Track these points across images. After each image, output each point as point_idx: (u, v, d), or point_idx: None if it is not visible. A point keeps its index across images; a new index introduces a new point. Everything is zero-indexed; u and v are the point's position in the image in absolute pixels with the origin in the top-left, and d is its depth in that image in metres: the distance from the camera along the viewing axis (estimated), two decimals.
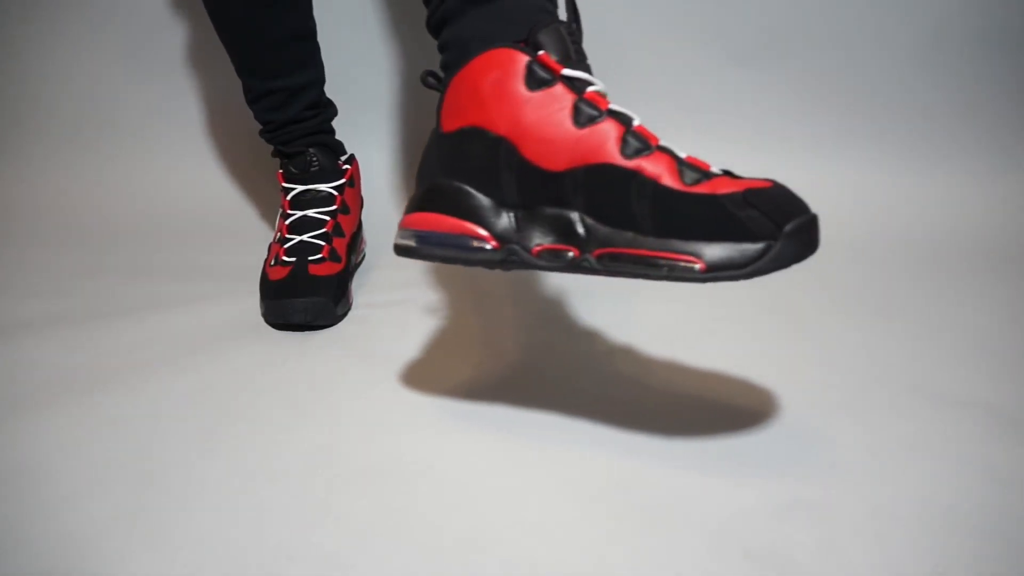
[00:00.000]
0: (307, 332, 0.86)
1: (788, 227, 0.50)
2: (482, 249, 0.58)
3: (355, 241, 1.00)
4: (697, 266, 0.51)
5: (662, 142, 0.55)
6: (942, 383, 0.73)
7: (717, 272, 0.51)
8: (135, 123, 1.33)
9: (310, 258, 0.89)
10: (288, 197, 0.96)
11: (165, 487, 0.59)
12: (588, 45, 1.09)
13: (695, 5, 1.18)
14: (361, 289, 0.97)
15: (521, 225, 0.58)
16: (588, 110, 0.56)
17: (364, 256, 1.05)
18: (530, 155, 0.57)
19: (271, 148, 1.00)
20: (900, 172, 1.20)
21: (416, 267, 1.03)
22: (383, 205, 1.21)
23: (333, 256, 0.91)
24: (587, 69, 0.59)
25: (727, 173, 0.54)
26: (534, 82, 0.57)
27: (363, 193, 1.05)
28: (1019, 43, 1.16)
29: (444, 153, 0.61)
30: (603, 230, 0.55)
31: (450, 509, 0.57)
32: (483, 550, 0.53)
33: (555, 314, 0.88)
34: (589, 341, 0.82)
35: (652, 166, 0.54)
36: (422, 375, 0.76)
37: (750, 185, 0.52)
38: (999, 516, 0.55)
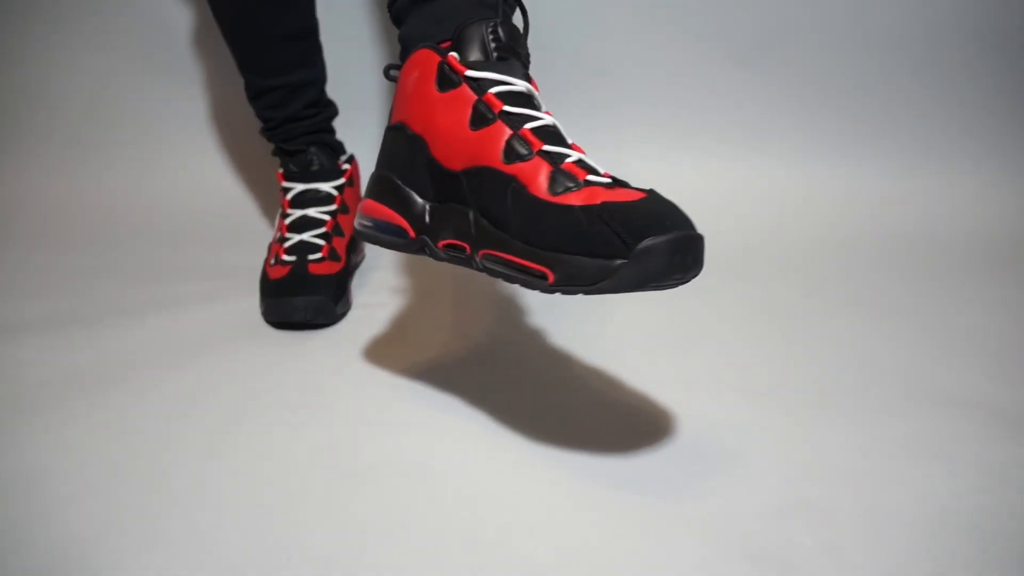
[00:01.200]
0: (307, 332, 0.86)
1: (639, 247, 0.47)
2: (403, 238, 0.62)
3: (355, 241, 1.00)
4: (547, 279, 0.51)
5: (547, 147, 0.55)
6: (940, 383, 0.73)
7: (563, 286, 0.50)
8: (135, 123, 1.33)
9: (310, 257, 0.89)
10: (288, 196, 0.96)
11: (166, 487, 0.59)
12: (588, 46, 1.09)
13: (695, 5, 1.18)
14: (361, 289, 0.97)
15: (433, 218, 0.60)
16: (484, 112, 0.57)
17: (364, 256, 1.05)
18: (437, 153, 0.59)
19: (271, 147, 1.00)
20: (898, 172, 1.20)
21: (416, 267, 1.03)
22: None
23: (333, 255, 0.91)
24: (518, 67, 0.59)
25: (617, 182, 0.53)
26: (444, 83, 0.59)
27: (363, 193, 1.05)
28: (1019, 43, 1.16)
29: (385, 146, 0.65)
30: (490, 231, 0.55)
31: (450, 509, 0.57)
32: (483, 550, 0.53)
33: (556, 315, 0.88)
34: (591, 343, 0.82)
35: (527, 172, 0.54)
36: (422, 375, 0.76)
37: (615, 197, 0.50)
38: (999, 516, 0.55)
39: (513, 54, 0.60)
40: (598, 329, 0.84)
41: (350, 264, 0.96)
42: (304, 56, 0.96)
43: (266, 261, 0.92)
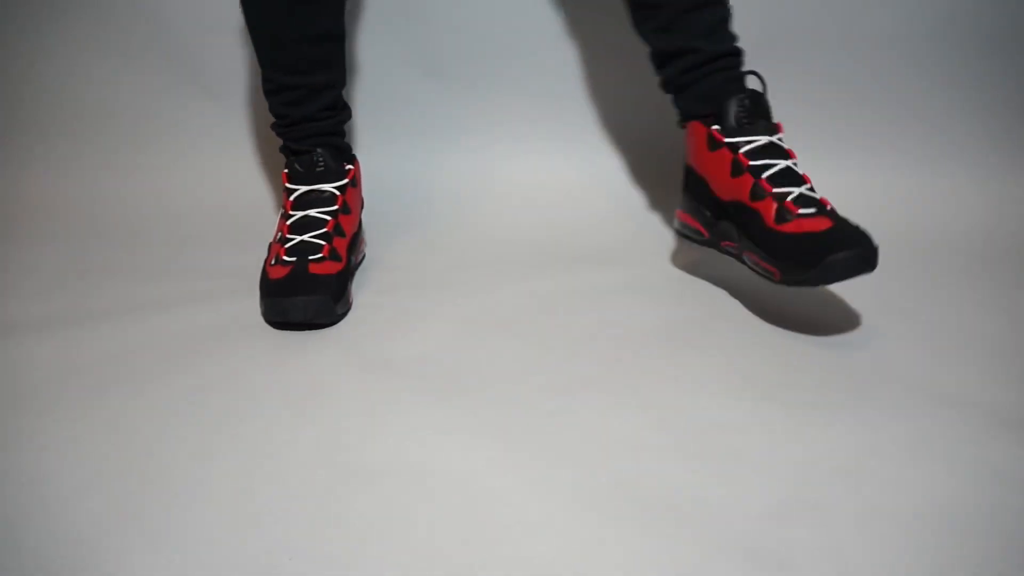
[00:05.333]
0: (306, 331, 0.86)
1: (819, 264, 0.76)
2: (700, 237, 0.93)
3: (355, 241, 0.99)
4: (775, 276, 0.81)
5: (776, 190, 0.82)
6: (940, 383, 0.73)
7: (784, 282, 0.80)
8: (135, 123, 1.33)
9: (310, 257, 0.89)
10: (291, 198, 0.96)
11: (165, 487, 0.59)
12: (587, 46, 1.08)
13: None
14: (361, 289, 0.97)
15: (716, 228, 0.90)
16: (737, 166, 0.85)
17: (364, 256, 1.05)
18: (714, 189, 0.89)
19: (275, 147, 1.00)
20: (899, 172, 1.20)
21: (416, 268, 1.03)
22: (383, 206, 1.21)
23: (333, 255, 0.91)
24: (762, 125, 0.86)
25: (820, 212, 0.79)
26: (712, 146, 0.88)
27: (363, 194, 1.05)
28: (1019, 43, 1.16)
29: (686, 177, 0.95)
30: (747, 242, 0.84)
31: (450, 509, 0.57)
32: (483, 550, 0.53)
33: (556, 316, 0.88)
34: (591, 343, 0.82)
35: (763, 208, 0.82)
36: (421, 375, 0.76)
37: (813, 228, 0.78)
38: (999, 516, 0.55)
39: (758, 115, 0.86)
40: (598, 329, 0.84)
41: (350, 264, 0.96)
42: (329, 58, 0.96)
43: (266, 261, 0.92)
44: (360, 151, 1.07)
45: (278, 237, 0.94)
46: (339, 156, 0.99)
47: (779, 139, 0.86)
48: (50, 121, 1.35)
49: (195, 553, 0.53)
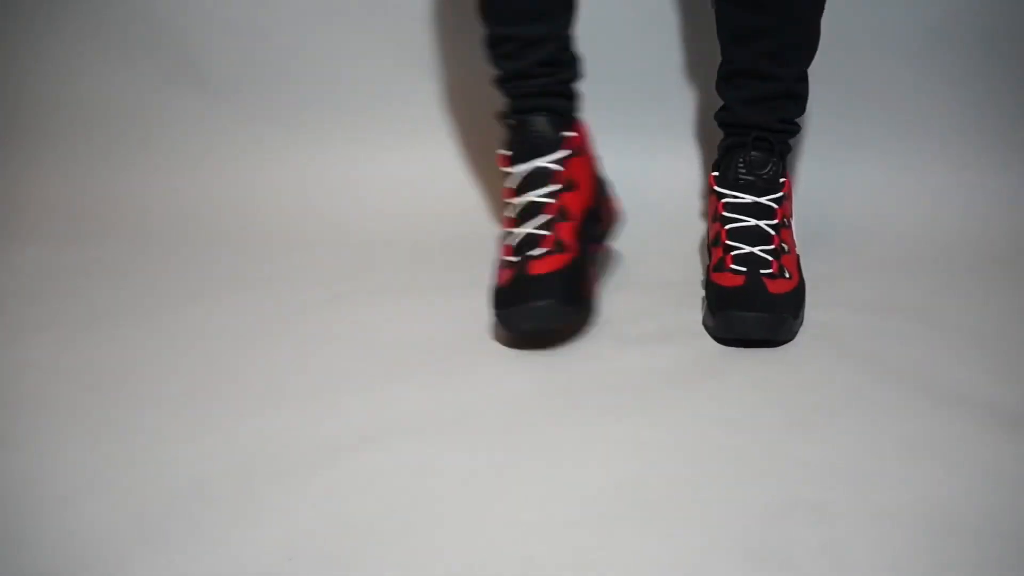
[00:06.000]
0: (305, 332, 0.85)
1: (715, 315, 0.80)
2: None
3: (591, 220, 0.86)
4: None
5: (728, 241, 0.86)
6: (942, 383, 0.73)
7: (704, 323, 0.84)
8: (134, 123, 1.32)
9: (529, 254, 0.79)
10: (509, 184, 0.85)
11: (165, 487, 0.59)
12: (588, 47, 1.08)
13: (694, 5, 1.18)
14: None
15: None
16: (714, 210, 0.89)
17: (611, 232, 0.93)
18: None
19: (273, 150, 0.97)
20: (899, 172, 1.20)
21: (414, 269, 1.03)
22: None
23: (558, 247, 0.79)
24: (757, 185, 0.87)
25: (751, 272, 0.82)
26: (711, 190, 0.91)
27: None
28: (1019, 43, 1.16)
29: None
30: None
31: (450, 509, 0.57)
32: (483, 550, 0.53)
33: None
34: (591, 343, 0.82)
35: (716, 255, 0.87)
36: (422, 375, 0.76)
37: (726, 283, 0.81)
38: (999, 516, 0.55)
39: (754, 176, 0.87)
40: (598, 329, 0.84)
41: (583, 253, 0.82)
42: (544, 8, 0.85)
43: (499, 264, 0.83)
44: (371, 145, 1.05)
45: (503, 234, 0.85)
46: (560, 122, 0.86)
47: (772, 199, 0.86)
48: (51, 121, 1.34)
49: (195, 553, 0.53)
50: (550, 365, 0.78)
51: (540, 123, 0.84)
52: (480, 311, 0.86)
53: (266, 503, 0.57)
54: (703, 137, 1.19)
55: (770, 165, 0.87)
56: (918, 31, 1.17)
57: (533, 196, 0.82)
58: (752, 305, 0.78)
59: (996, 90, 1.18)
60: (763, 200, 0.86)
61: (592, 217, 0.87)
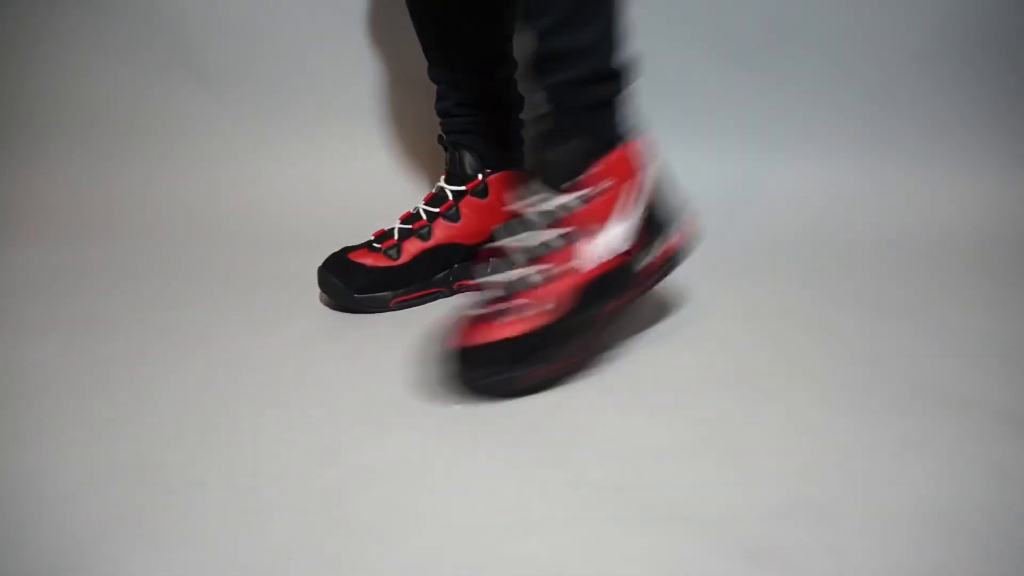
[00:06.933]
0: (305, 331, 0.85)
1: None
2: None
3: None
4: None
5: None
6: (941, 383, 0.73)
7: None
8: (134, 123, 1.33)
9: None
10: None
11: (165, 487, 0.59)
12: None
13: (695, 5, 1.18)
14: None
15: None
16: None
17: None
18: None
19: (272, 152, 0.97)
20: (900, 172, 1.20)
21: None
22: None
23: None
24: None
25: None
26: None
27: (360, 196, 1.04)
28: (1019, 43, 1.16)
29: None
30: None
31: (450, 509, 0.57)
32: (483, 550, 0.53)
33: None
34: None
35: None
36: (422, 375, 0.76)
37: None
38: (999, 516, 0.55)
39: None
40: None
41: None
42: (485, 59, 0.93)
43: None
44: (358, 157, 1.05)
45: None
46: (476, 161, 0.94)
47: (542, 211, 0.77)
48: (51, 121, 1.35)
49: (195, 553, 0.53)
50: None
51: (463, 158, 0.93)
52: None
53: (266, 503, 0.57)
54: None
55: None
56: (917, 32, 1.17)
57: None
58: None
59: (994, 91, 1.18)
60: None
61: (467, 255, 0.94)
